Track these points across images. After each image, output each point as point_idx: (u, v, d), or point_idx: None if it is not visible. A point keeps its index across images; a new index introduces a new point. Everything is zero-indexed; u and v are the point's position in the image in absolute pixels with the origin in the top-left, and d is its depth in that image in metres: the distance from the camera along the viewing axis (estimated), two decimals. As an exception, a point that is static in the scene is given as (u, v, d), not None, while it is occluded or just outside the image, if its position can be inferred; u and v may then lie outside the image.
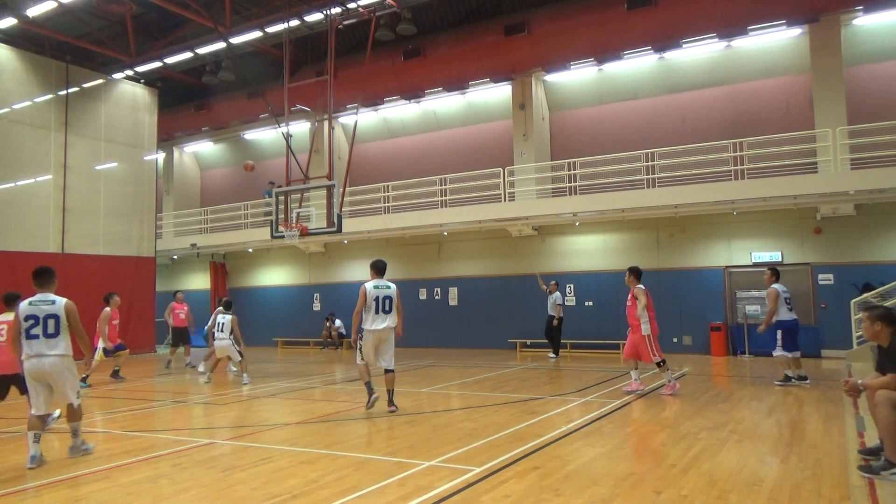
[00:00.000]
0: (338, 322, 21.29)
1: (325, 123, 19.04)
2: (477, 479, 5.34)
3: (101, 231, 19.51)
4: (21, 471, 6.07)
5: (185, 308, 15.88)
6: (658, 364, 9.82)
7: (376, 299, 8.47)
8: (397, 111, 22.29)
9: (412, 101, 21.34)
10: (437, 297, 20.36)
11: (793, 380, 10.53)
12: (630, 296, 10.04)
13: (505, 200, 18.13)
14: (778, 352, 10.55)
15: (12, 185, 17.66)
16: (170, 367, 15.43)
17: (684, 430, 7.26)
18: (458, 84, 19.93)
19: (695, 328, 16.57)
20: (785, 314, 10.50)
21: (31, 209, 17.94)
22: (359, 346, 8.73)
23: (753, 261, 16.30)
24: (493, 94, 20.51)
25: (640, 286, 9.94)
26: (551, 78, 19.45)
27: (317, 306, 22.60)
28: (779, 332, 10.50)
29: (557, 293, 16.28)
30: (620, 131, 18.83)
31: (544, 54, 18.08)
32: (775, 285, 10.61)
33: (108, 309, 12.88)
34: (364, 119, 21.88)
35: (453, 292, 20.08)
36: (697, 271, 16.79)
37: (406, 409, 8.97)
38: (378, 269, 8.85)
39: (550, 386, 11.11)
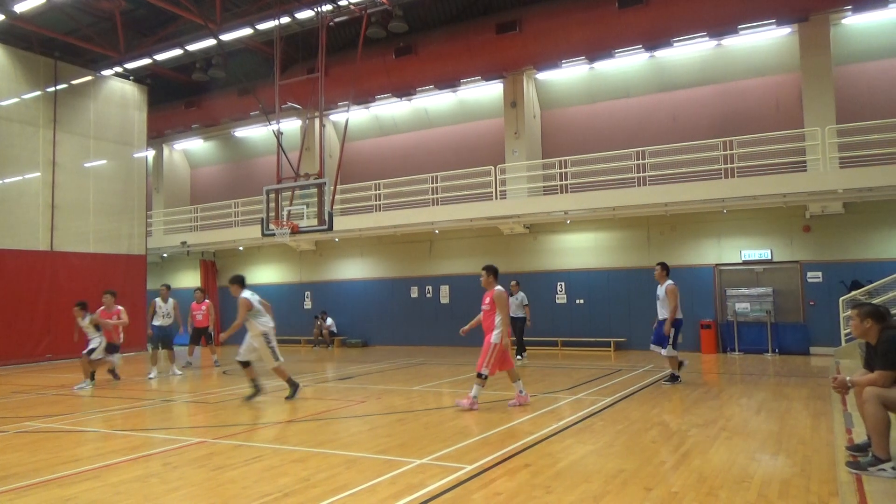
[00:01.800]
0: (329, 320, 21.27)
1: (317, 121, 19.00)
2: (468, 477, 5.35)
3: (91, 229, 19.38)
4: (11, 469, 6.02)
5: (207, 305, 15.40)
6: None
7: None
8: (389, 109, 22.25)
9: (404, 98, 21.31)
10: (428, 296, 20.37)
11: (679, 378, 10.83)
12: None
13: (496, 198, 18.15)
14: (670, 351, 10.60)
15: (0, 182, 17.51)
16: (190, 367, 15.15)
17: (675, 427, 7.30)
18: (449, 82, 19.92)
19: (685, 326, 16.56)
20: (679, 313, 10.66)
21: (20, 206, 17.81)
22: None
23: (743, 258, 16.40)
24: (485, 92, 20.52)
25: (670, 282, 10.60)
26: (543, 76, 19.48)
27: (308, 304, 22.56)
28: (673, 330, 10.55)
29: (521, 293, 14.93)
30: (611, 129, 18.89)
31: (536, 52, 18.10)
32: (671, 282, 10.71)
33: (101, 308, 12.67)
34: (355, 117, 21.84)
35: (444, 290, 20.09)
36: (688, 269, 16.87)
37: (397, 407, 8.98)
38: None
39: (541, 384, 11.14)
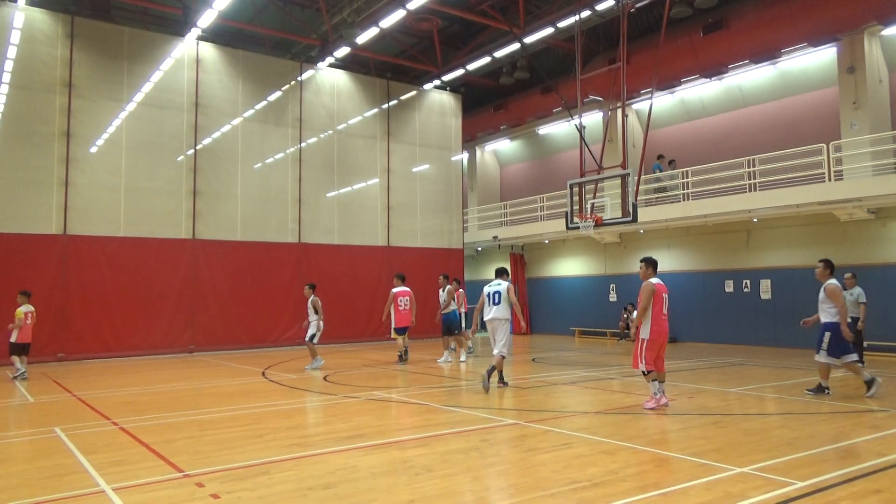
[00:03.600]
0: (636, 313, 20.79)
1: (618, 112, 18.70)
2: (800, 495, 4.73)
3: (418, 226, 22.03)
4: (362, 430, 7.12)
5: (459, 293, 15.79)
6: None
7: (488, 296, 10.33)
8: (696, 91, 20.85)
9: (713, 78, 19.75)
10: (745, 290, 18.59)
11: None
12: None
13: (830, 180, 15.75)
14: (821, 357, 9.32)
15: (350, 189, 20.84)
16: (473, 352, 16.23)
17: None
18: (767, 54, 17.85)
19: None
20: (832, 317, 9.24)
21: (364, 209, 21.01)
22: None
23: None
24: (812, 60, 17.95)
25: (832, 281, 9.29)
26: (891, 31, 16.30)
27: (613, 297, 22.36)
28: (827, 334, 9.25)
29: (859, 288, 12.31)
30: None
31: (881, 4, 15.20)
32: (832, 281, 9.40)
33: (393, 290, 14.25)
34: (659, 103, 20.94)
35: (765, 284, 18.11)
36: None
37: (712, 409, 8.38)
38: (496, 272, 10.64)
39: (895, 397, 9.35)
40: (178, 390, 10.82)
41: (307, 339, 13.41)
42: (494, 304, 10.27)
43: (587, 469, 5.46)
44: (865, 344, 12.83)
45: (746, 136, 19.55)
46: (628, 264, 21.77)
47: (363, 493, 4.88)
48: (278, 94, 19.46)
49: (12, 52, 15.39)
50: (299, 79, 19.77)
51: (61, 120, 15.82)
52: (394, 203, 21.56)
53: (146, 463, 5.82)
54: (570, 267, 24.16)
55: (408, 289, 14.41)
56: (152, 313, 16.65)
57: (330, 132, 20.42)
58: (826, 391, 9.38)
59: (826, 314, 9.34)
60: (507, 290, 10.22)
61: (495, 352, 10.13)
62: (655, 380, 8.41)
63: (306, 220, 19.59)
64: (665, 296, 8.55)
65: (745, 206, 17.05)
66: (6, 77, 15.33)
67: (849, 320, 9.76)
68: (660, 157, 20.14)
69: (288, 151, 19.51)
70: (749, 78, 19.51)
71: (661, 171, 19.71)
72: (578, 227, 14.65)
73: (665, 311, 8.52)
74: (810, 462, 5.65)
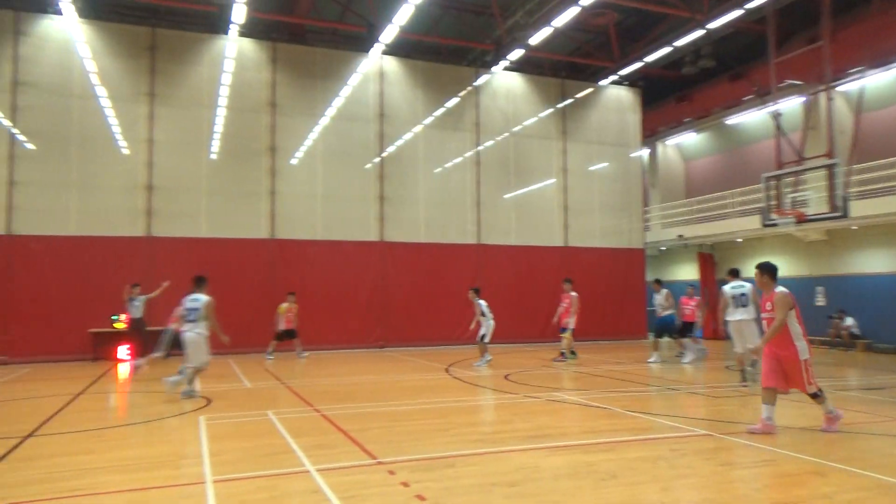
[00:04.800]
0: (849, 320, 18.53)
1: (822, 95, 16.81)
2: None
3: (596, 225, 21.57)
4: (543, 430, 7.10)
5: (695, 301, 15.62)
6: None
7: (733, 297, 10.71)
8: (920, 65, 18.11)
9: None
10: None
11: None
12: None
13: None
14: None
15: (526, 190, 20.93)
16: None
17: None
18: None
19: None
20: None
21: (541, 210, 20.99)
22: None
23: None
24: None
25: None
26: None
27: (820, 301, 20.11)
28: None
29: None
30: None
31: None
32: None
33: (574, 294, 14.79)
34: (872, 83, 18.48)
35: None
36: None
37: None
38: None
39: None
40: (370, 382, 11.57)
41: (478, 338, 14.16)
42: (742, 305, 10.71)
43: (793, 490, 4.98)
44: None
45: None
46: (838, 264, 19.49)
47: (546, 494, 4.86)
48: (456, 100, 20.10)
49: (227, 78, 17.49)
50: (475, 84, 20.25)
51: (267, 136, 17.67)
52: (571, 203, 21.28)
53: (344, 448, 6.29)
54: (766, 267, 22.13)
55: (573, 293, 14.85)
56: (346, 310, 18.01)
57: (506, 135, 20.67)
58: None
59: None
60: (752, 291, 10.31)
61: (740, 350, 10.73)
62: (767, 402, 7.17)
63: (485, 221, 20.02)
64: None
65: None
66: (223, 101, 17.46)
67: None
68: None
69: (466, 155, 20.08)
70: None
71: None
72: (776, 224, 13.45)
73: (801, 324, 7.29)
74: None
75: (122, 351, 15.14)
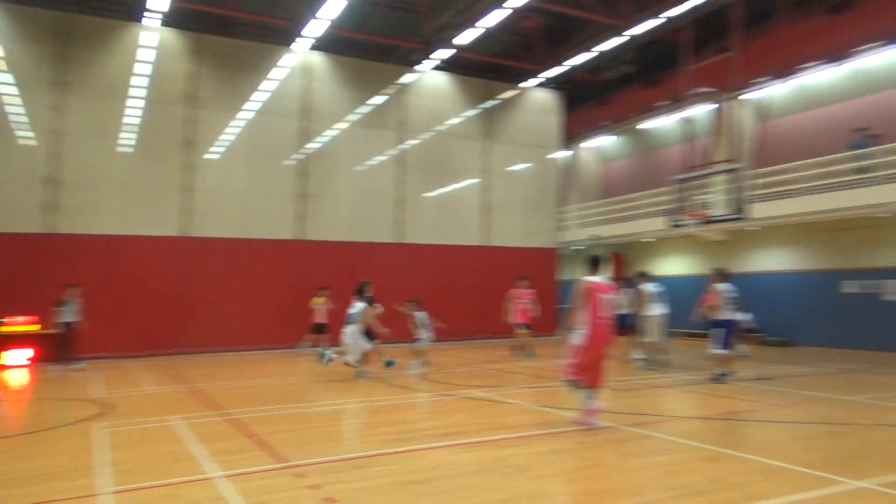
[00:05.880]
0: (745, 316, 19.66)
1: (729, 103, 17.78)
2: (927, 515, 4.37)
3: (514, 225, 21.99)
4: (458, 427, 7.23)
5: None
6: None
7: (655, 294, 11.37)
8: (817, 77, 19.41)
9: (837, 63, 18.34)
10: (870, 291, 17.17)
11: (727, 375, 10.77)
12: None
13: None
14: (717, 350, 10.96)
15: (448, 189, 21.10)
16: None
17: None
18: (900, 34, 16.40)
19: None
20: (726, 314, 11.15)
21: (462, 209, 21.22)
22: None
23: None
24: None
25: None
26: None
27: (712, 294, 21.25)
28: (718, 330, 11.07)
29: None
30: None
31: None
32: (721, 285, 11.39)
33: (513, 290, 15.25)
34: (776, 92, 19.70)
35: (891, 286, 16.66)
36: None
37: (828, 418, 7.83)
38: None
39: None
40: (285, 384, 11.42)
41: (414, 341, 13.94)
42: (662, 301, 12.26)
43: (688, 476, 5.29)
44: None
45: (875, 124, 18.01)
46: (737, 263, 20.68)
47: (458, 490, 4.97)
48: (382, 98, 20.03)
49: (145, 68, 16.78)
50: (402, 82, 20.26)
51: (185, 130, 17.07)
52: (491, 203, 21.61)
53: (253, 452, 6.20)
54: (673, 266, 23.25)
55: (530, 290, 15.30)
56: (264, 309, 17.63)
57: (431, 134, 20.77)
58: None
59: None
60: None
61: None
62: (587, 387, 7.17)
63: (407, 220, 20.06)
64: (605, 296, 7.21)
65: (872, 201, 15.74)
66: (140, 92, 16.74)
67: None
68: (858, 130, 17.29)
69: (390, 154, 20.05)
70: (880, 61, 17.95)
71: (860, 147, 16.79)
72: (683, 225, 14.11)
73: (604, 315, 7.17)
74: (941, 480, 5.19)
75: (17, 355, 14.12)
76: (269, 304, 17.76)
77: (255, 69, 18.14)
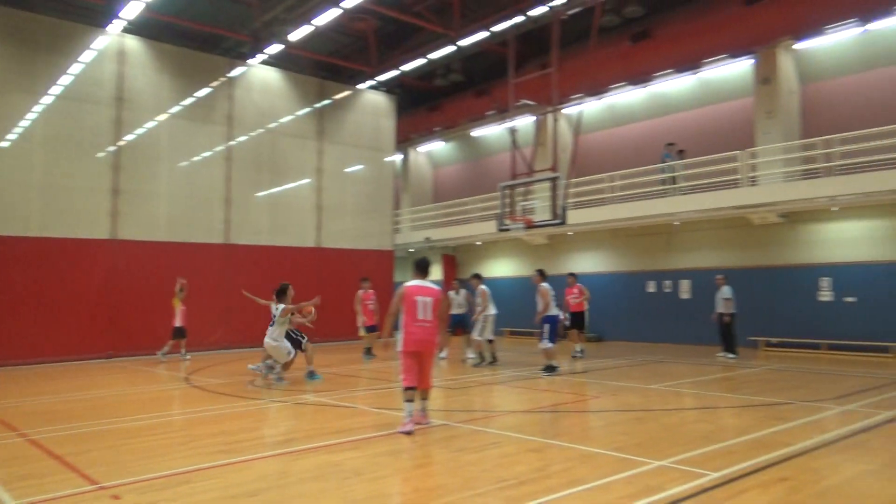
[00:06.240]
0: (562, 314, 21.24)
1: (550, 116, 19.05)
2: (713, 485, 4.99)
3: (348, 227, 21.82)
4: (291, 434, 7.02)
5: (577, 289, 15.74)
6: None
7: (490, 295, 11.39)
8: (623, 97, 21.55)
9: (640, 85, 20.47)
10: (667, 290, 19.35)
11: (557, 368, 12.10)
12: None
13: (745, 186, 16.59)
14: (547, 344, 12.12)
15: (280, 189, 20.45)
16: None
17: (982, 453, 6.03)
18: (690, 64, 18.66)
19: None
20: (553, 310, 12.40)
21: (294, 209, 20.65)
22: None
23: None
24: (731, 71, 18.85)
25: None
26: (802, 46, 17.31)
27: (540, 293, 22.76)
28: (546, 326, 12.23)
29: (726, 287, 14.91)
30: (890, 100, 16.15)
31: (793, 21, 16.15)
32: (545, 284, 12.52)
33: (359, 291, 15.18)
34: (589, 108, 21.52)
35: (685, 285, 18.91)
36: None
37: (634, 406, 8.68)
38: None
39: (802, 390, 9.95)
40: (95, 398, 10.35)
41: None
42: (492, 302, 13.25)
43: (515, 467, 5.57)
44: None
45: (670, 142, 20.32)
46: (557, 265, 22.28)
47: (290, 499, 4.82)
48: (207, 90, 18.88)
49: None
50: (229, 75, 19.25)
51: (-32, 112, 14.88)
52: (325, 204, 21.25)
53: (57, 476, 5.54)
54: (501, 268, 24.50)
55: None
56: (67, 316, 15.85)
57: (261, 131, 19.96)
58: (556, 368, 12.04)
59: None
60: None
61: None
62: (410, 400, 7.09)
63: (234, 220, 19.08)
64: (422, 299, 7.18)
65: (668, 210, 17.76)
66: None
67: (724, 312, 14.43)
68: (669, 145, 19.22)
69: (217, 150, 18.95)
70: (673, 86, 20.31)
71: (670, 159, 18.74)
72: (509, 229, 14.90)
73: (421, 317, 7.14)
74: (723, 454, 5.95)
75: None
76: (77, 310, 16.00)
77: (60, 49, 16.21)
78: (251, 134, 19.67)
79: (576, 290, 15.63)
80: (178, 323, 15.15)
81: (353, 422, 7.94)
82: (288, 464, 5.82)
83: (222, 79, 19.09)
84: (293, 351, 11.03)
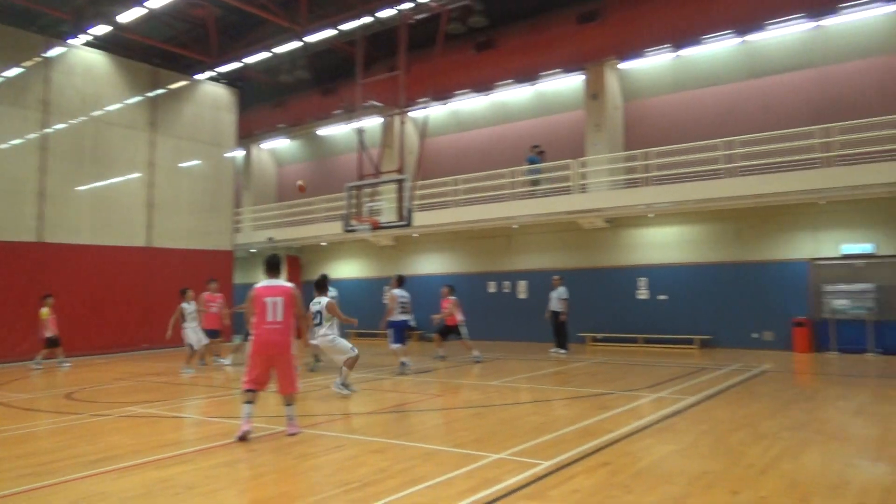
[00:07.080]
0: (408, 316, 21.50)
1: (397, 118, 19.26)
2: (545, 473, 5.30)
3: (183, 226, 20.48)
4: (113, 451, 6.46)
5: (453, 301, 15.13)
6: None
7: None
8: (468, 104, 22.29)
9: (483, 93, 21.27)
10: (506, 291, 20.30)
11: (406, 365, 12.50)
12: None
13: (576, 192, 17.85)
14: (394, 345, 12.66)
15: (105, 183, 18.76)
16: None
17: (764, 429, 6.96)
18: (529, 75, 19.73)
19: (776, 323, 15.85)
20: (398, 316, 12.90)
21: (121, 206, 19.02)
22: None
23: (842, 253, 15.40)
24: (565, 85, 20.20)
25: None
26: (625, 66, 18.96)
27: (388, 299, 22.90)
28: (390, 330, 12.81)
29: (562, 288, 15.99)
30: (699, 119, 18.18)
31: (618, 42, 17.65)
32: (395, 290, 13.12)
33: (203, 293, 14.35)
34: (435, 113, 22.00)
35: (522, 286, 19.96)
36: (780, 264, 16.03)
37: (474, 402, 9.01)
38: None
39: (621, 381, 10.89)
40: None
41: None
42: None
43: (358, 470, 5.55)
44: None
45: (510, 149, 21.34)
46: (403, 266, 22.54)
47: (112, 521, 4.44)
48: (18, 70, 16.88)
49: None
50: (45, 55, 17.33)
51: None
52: (157, 200, 19.78)
53: None
54: (346, 269, 24.31)
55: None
56: None
57: (84, 119, 18.18)
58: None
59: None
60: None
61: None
62: (249, 402, 6.86)
63: (50, 216, 17.21)
64: (271, 300, 6.92)
65: (507, 214, 18.64)
66: None
67: (560, 310, 15.35)
68: (534, 147, 19.43)
69: (29, 137, 16.98)
70: (513, 95, 21.34)
71: (537, 162, 19.02)
72: (355, 230, 14.82)
73: (270, 319, 6.89)
74: (554, 443, 6.35)
75: None
76: None
77: None
78: (71, 122, 17.86)
79: (446, 305, 14.97)
80: (49, 333, 14.56)
81: (184, 434, 7.48)
82: (108, 483, 5.34)
83: (37, 59, 17.16)
84: (355, 347, 9.85)
